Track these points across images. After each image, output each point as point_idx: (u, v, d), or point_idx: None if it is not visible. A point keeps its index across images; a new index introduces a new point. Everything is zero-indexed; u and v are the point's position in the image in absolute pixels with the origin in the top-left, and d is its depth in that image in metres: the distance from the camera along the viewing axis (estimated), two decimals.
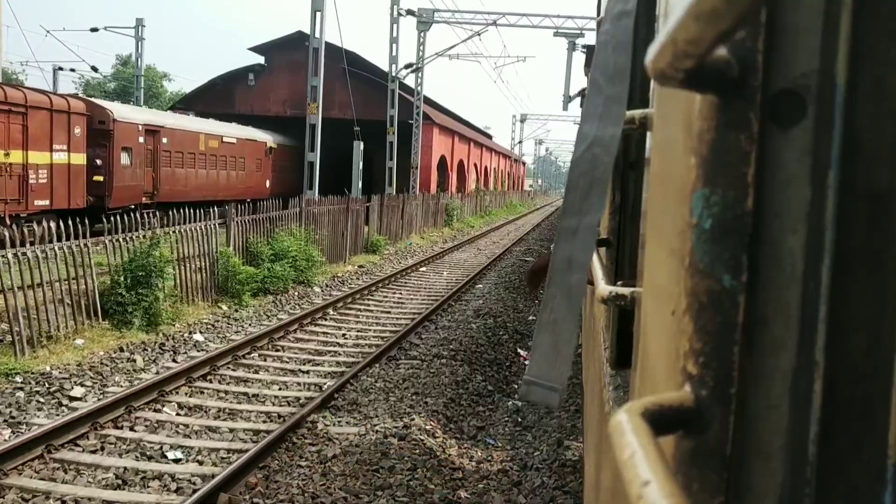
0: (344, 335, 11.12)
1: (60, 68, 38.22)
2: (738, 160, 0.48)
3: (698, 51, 0.41)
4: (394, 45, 28.64)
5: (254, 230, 13.84)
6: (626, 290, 1.08)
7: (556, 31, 30.36)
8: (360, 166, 24.24)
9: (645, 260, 0.78)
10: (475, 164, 51.59)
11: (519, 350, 10.82)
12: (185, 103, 34.88)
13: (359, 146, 23.98)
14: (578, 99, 18.48)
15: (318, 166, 20.88)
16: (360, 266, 18.31)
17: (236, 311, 12.04)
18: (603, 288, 1.14)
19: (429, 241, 25.89)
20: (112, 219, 10.46)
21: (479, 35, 29.59)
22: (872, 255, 0.46)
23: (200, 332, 10.69)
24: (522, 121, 77.02)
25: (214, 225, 12.51)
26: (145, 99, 38.20)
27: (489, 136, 69.97)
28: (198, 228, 12.13)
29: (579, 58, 27.79)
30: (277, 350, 10.08)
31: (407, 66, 29.91)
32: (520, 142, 77.88)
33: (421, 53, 30.69)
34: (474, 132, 53.96)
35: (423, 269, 19.19)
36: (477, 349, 10.38)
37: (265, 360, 9.50)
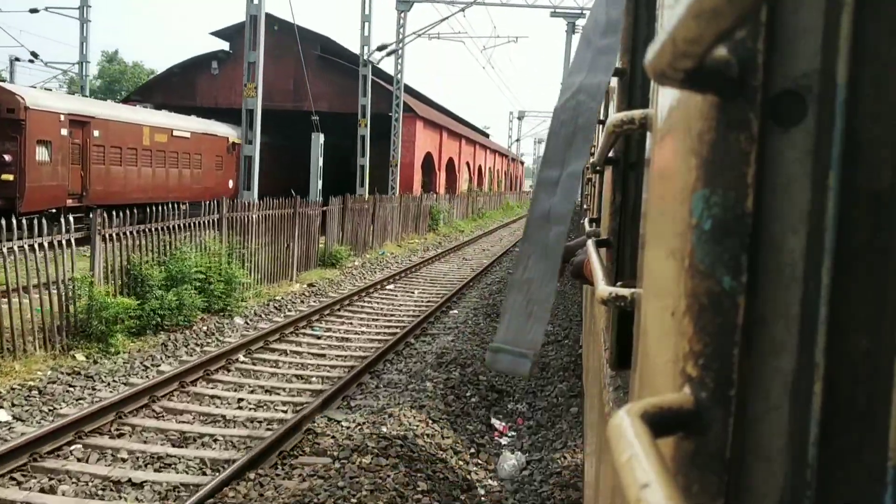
0: (240, 403, 7.44)
1: (17, 59, 32.27)
2: (738, 160, 0.48)
3: (698, 50, 0.41)
4: (366, 24, 24.81)
5: (141, 246, 10.05)
6: (626, 291, 1.08)
7: (554, 12, 28.80)
8: (320, 163, 20.82)
9: (645, 261, 0.78)
10: (467, 163, 47.55)
11: (493, 421, 7.52)
12: (142, 95, 30.93)
13: (318, 139, 20.62)
14: None
15: (262, 162, 17.57)
16: (311, 285, 14.82)
17: (97, 361, 8.45)
18: (603, 289, 1.14)
19: (407, 250, 22.63)
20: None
21: (463, 12, 26.40)
22: (873, 256, 0.45)
23: (11, 406, 6.85)
24: (520, 118, 73.25)
25: (69, 240, 8.79)
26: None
27: (486, 135, 65.87)
28: (36, 246, 8.35)
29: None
30: (122, 435, 6.41)
31: (381, 48, 25.80)
32: (517, 140, 73.97)
33: (401, 36, 27.38)
34: (467, 129, 49.67)
35: (391, 286, 15.86)
36: (428, 431, 6.71)
37: (90, 460, 5.87)
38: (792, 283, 0.47)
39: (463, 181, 45.49)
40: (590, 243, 1.75)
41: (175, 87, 31.32)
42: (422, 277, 17.94)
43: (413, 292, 15.53)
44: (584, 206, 11.06)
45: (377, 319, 12.30)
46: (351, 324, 11.82)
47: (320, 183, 20.49)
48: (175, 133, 23.35)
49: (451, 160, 41.42)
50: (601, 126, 2.43)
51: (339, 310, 12.65)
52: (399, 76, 28.39)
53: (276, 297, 13.18)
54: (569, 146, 1.01)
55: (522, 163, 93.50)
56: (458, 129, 44.10)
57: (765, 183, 0.48)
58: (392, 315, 12.72)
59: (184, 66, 32.07)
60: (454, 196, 34.97)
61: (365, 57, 25.25)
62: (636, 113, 1.04)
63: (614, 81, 1.80)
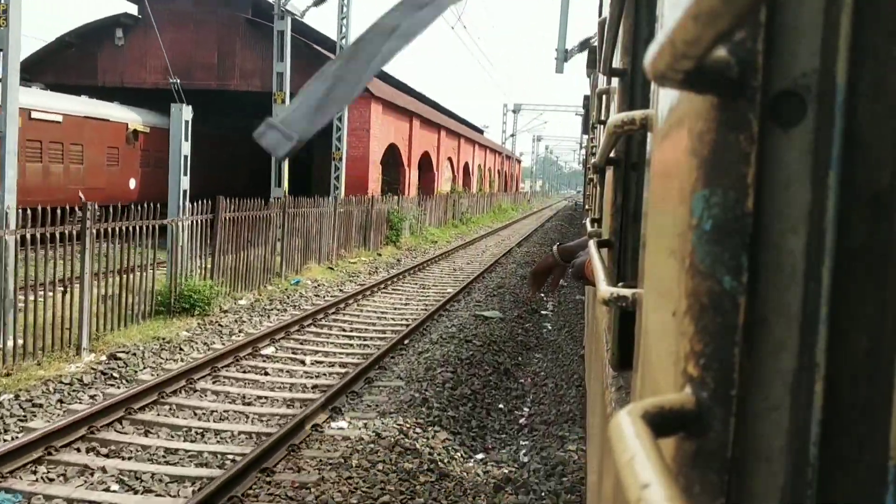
0: None
1: None
2: (738, 161, 0.48)
3: (697, 52, 0.41)
4: None
5: None
6: (627, 292, 1.08)
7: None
8: (186, 149, 14.18)
9: (646, 261, 0.78)
10: (450, 159, 40.20)
11: None
12: (27, 72, 22.48)
13: (180, 113, 14.10)
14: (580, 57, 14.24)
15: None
16: (115, 356, 8.59)
17: None
18: (604, 289, 1.14)
19: (342, 275, 16.78)
20: None
21: None
22: (873, 256, 0.45)
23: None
24: (516, 111, 65.38)
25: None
26: None
27: (479, 131, 59.25)
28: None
29: (578, 4, 22.42)
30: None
31: None
32: (512, 135, 65.49)
33: None
34: (450, 119, 42.37)
35: (271, 349, 9.70)
36: None
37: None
38: (792, 282, 0.47)
39: (444, 181, 38.66)
40: (591, 244, 1.75)
41: (70, 63, 24.42)
42: (342, 324, 11.67)
43: (307, 359, 9.42)
44: (586, 207, 11.12)
45: (178, 456, 6.30)
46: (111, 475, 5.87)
47: (186, 181, 14.02)
48: (35, 115, 17.34)
49: (426, 155, 34.26)
50: (602, 126, 2.44)
51: (121, 421, 6.88)
52: (343, 39, 20.27)
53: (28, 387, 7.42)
54: None
55: (519, 161, 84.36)
56: (438, 118, 36.36)
57: (765, 183, 0.48)
58: (221, 435, 6.77)
59: (80, 35, 24.66)
60: (428, 198, 28.69)
61: (282, 5, 17.88)
62: (637, 113, 1.04)
63: (615, 82, 1.80)
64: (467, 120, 55.03)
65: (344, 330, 11.60)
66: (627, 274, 1.63)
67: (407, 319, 12.58)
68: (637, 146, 1.67)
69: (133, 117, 21.65)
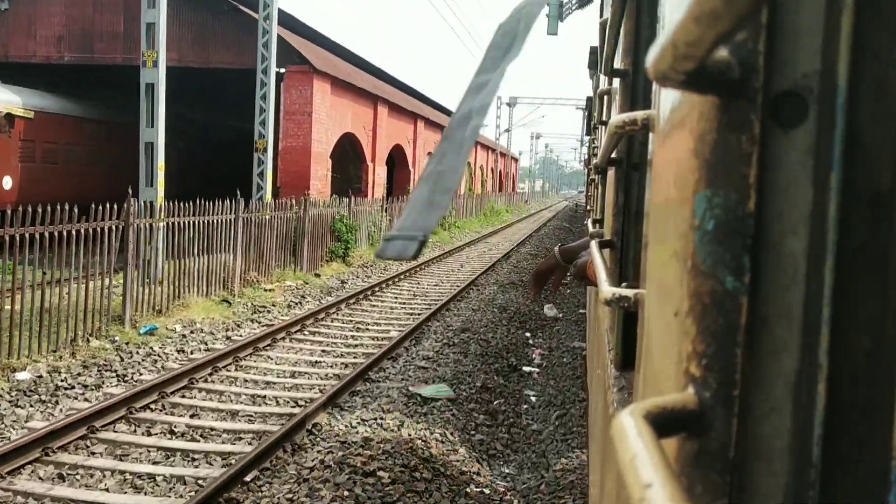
0: None
1: None
2: (739, 162, 0.48)
3: (699, 53, 0.41)
4: None
5: None
6: (629, 292, 1.08)
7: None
8: None
9: (648, 261, 0.78)
10: (431, 154, 32.85)
11: None
12: None
13: None
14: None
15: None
16: None
17: None
18: (606, 290, 1.14)
19: (242, 311, 12.10)
20: None
21: None
22: (875, 257, 0.45)
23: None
24: (511, 105, 58.10)
25: None
26: None
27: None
28: None
29: None
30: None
31: None
32: (507, 130, 58.36)
33: None
34: (431, 108, 35.60)
35: None
36: None
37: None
38: (794, 283, 0.47)
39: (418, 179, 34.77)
40: (593, 244, 1.75)
41: None
42: (180, 417, 7.26)
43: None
44: (588, 207, 11.04)
45: None
46: None
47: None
48: None
49: (398, 149, 28.44)
50: (603, 127, 2.44)
51: None
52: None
53: None
54: (505, 56, 0.99)
55: (516, 159, 75.65)
56: (414, 106, 30.13)
57: (766, 184, 0.48)
58: None
59: None
60: (397, 200, 23.19)
61: None
62: (638, 114, 1.04)
63: (616, 83, 1.80)
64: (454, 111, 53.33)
65: (172, 433, 6.87)
66: (629, 274, 1.63)
67: (298, 401, 7.84)
68: (639, 147, 1.67)
69: (11, 98, 16.40)
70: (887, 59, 0.45)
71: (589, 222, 3.47)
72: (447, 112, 40.97)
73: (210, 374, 8.74)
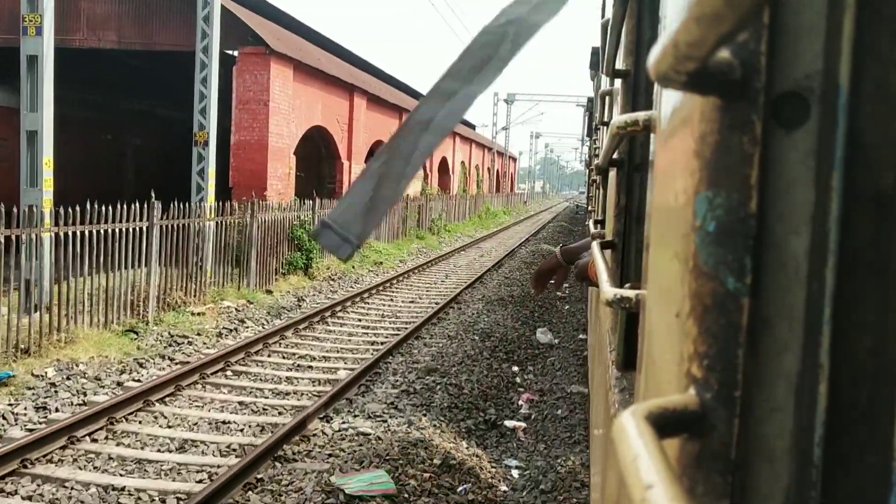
0: None
1: None
2: (741, 162, 0.48)
3: (700, 53, 0.41)
4: None
5: None
6: (631, 293, 1.08)
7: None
8: None
9: (649, 262, 0.78)
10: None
11: None
12: None
13: None
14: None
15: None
16: None
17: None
18: (608, 290, 1.14)
19: (154, 344, 9.62)
20: None
21: None
22: (876, 257, 0.45)
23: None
24: (509, 101, 53.77)
25: None
26: None
27: (469, 126, 49.22)
28: None
29: None
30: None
31: None
32: (504, 128, 54.35)
33: None
34: (413, 100, 31.02)
35: None
36: None
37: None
38: (796, 284, 0.47)
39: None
40: (595, 245, 1.75)
41: None
42: None
43: None
44: (589, 208, 10.94)
45: None
46: None
47: None
48: None
49: (380, 146, 21.01)
50: (605, 128, 2.44)
51: None
52: None
53: None
54: (479, 70, 0.96)
55: (514, 158, 72.62)
56: (397, 98, 27.70)
57: (768, 185, 0.48)
58: None
59: None
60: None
61: None
62: (640, 115, 1.04)
63: (618, 83, 1.80)
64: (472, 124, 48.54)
65: None
66: (631, 275, 1.63)
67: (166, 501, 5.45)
68: (640, 148, 1.67)
69: None
70: (889, 60, 0.45)
71: (591, 223, 3.47)
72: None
73: (61, 449, 6.08)
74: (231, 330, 11.03)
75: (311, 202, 16.13)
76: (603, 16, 3.31)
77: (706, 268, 0.50)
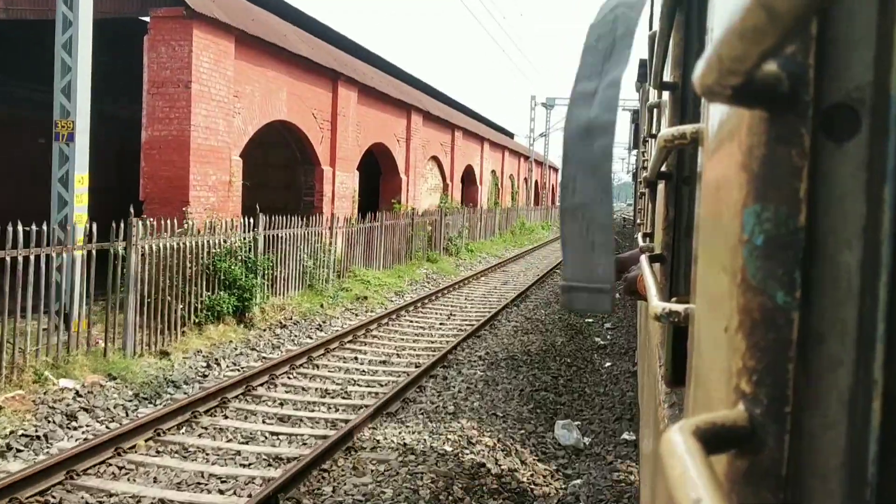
0: None
1: None
2: (790, 175, 0.48)
3: (744, 68, 0.41)
4: None
5: None
6: (679, 307, 1.07)
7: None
8: None
9: (697, 276, 0.77)
10: (437, 160, 25.95)
11: None
12: None
13: None
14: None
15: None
16: None
17: None
18: (656, 304, 1.13)
19: None
20: None
21: None
22: None
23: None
24: (548, 106, 47.70)
25: None
26: None
27: (508, 135, 45.47)
28: None
29: None
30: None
31: None
32: (542, 135, 48.53)
33: None
34: (438, 103, 27.67)
35: None
36: None
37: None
38: (848, 298, 0.47)
39: (423, 191, 24.22)
40: (643, 258, 1.73)
41: None
42: None
43: None
44: (638, 221, 10.47)
45: None
46: None
47: None
48: None
49: (382, 151, 20.87)
50: (653, 140, 2.41)
51: None
52: None
53: None
54: (607, 58, 0.94)
55: (556, 168, 65.17)
56: (406, 95, 22.40)
57: (818, 198, 0.47)
58: None
59: None
60: (372, 218, 17.19)
61: None
62: (687, 128, 1.03)
63: (666, 96, 1.78)
64: (483, 115, 38.68)
65: None
66: (680, 289, 1.61)
67: None
68: (689, 160, 1.66)
69: None
70: None
71: (639, 236, 3.44)
72: (466, 110, 34.11)
73: None
74: (34, 438, 6.43)
75: (249, 221, 11.84)
76: (650, 28, 3.29)
77: (755, 282, 0.50)
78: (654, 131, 2.31)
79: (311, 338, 11.27)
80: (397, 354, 10.68)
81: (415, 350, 10.99)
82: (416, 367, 9.76)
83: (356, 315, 13.24)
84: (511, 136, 48.19)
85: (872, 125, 0.46)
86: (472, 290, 17.76)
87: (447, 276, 19.44)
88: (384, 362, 10.21)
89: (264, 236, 12.15)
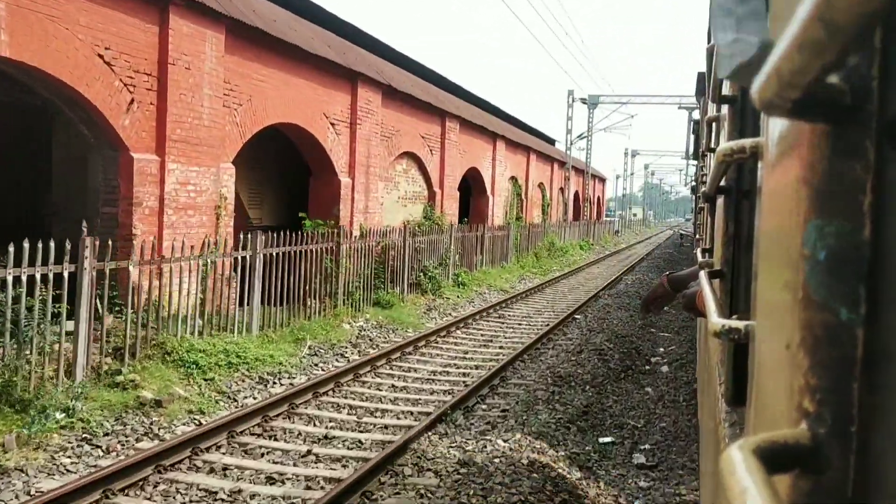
0: None
1: None
2: (853, 189, 0.47)
3: (804, 81, 0.41)
4: None
5: None
6: (740, 324, 1.04)
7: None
8: None
9: (758, 292, 0.76)
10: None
11: None
12: None
13: None
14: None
15: None
16: None
17: None
18: (716, 321, 1.11)
19: None
20: None
21: None
22: None
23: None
24: (591, 104, 38.69)
25: None
26: None
27: (550, 141, 39.04)
28: None
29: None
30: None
31: None
32: (581, 136, 39.28)
33: None
34: (463, 103, 23.55)
35: None
36: None
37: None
38: None
39: (388, 202, 17.46)
40: (702, 274, 1.70)
41: None
42: None
43: None
44: (697, 236, 10.42)
45: None
46: None
47: None
48: None
49: (305, 140, 14.05)
50: (712, 154, 2.38)
51: None
52: None
53: None
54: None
55: (602, 178, 55.96)
56: (426, 93, 19.12)
57: (883, 211, 0.46)
58: None
59: None
60: (259, 244, 10.19)
61: None
62: (747, 142, 1.02)
63: (725, 109, 1.76)
64: (496, 105, 30.54)
65: None
66: (740, 305, 1.57)
67: None
68: (749, 174, 1.63)
69: None
70: None
71: (698, 251, 3.39)
72: (493, 109, 28.57)
73: None
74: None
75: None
76: (709, 41, 3.24)
77: (817, 297, 0.49)
78: (712, 145, 2.28)
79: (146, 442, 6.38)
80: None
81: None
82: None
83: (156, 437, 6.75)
84: (553, 142, 41.23)
85: None
86: (428, 361, 10.55)
87: (400, 329, 12.51)
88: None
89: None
